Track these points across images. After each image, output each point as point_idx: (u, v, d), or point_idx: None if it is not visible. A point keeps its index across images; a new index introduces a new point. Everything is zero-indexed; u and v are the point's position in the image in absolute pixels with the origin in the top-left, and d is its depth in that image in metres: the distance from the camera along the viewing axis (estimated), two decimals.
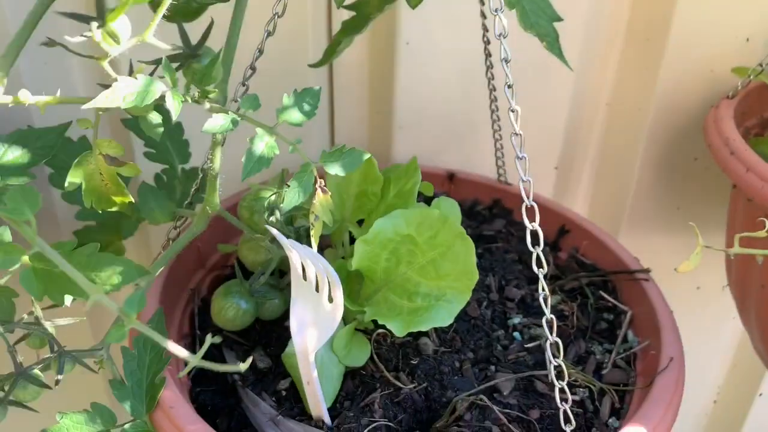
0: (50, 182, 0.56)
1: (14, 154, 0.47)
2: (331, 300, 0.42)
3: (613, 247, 0.66)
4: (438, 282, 0.49)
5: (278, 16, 0.48)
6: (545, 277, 0.64)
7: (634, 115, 0.79)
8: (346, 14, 0.57)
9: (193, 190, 0.57)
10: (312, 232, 0.43)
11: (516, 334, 0.58)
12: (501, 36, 0.42)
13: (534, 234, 0.43)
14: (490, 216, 0.73)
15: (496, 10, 0.42)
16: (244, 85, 0.50)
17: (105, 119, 0.58)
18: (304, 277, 0.43)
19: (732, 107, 0.67)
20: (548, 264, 0.68)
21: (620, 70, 0.78)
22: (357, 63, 0.75)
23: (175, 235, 0.58)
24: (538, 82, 0.76)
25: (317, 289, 0.43)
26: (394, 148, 0.80)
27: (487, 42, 0.66)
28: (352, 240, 0.57)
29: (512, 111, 0.44)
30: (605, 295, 0.63)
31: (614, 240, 0.67)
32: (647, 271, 0.62)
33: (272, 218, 0.51)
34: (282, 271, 0.57)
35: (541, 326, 0.59)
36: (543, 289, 0.44)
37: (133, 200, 0.47)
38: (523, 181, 0.43)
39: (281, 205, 0.51)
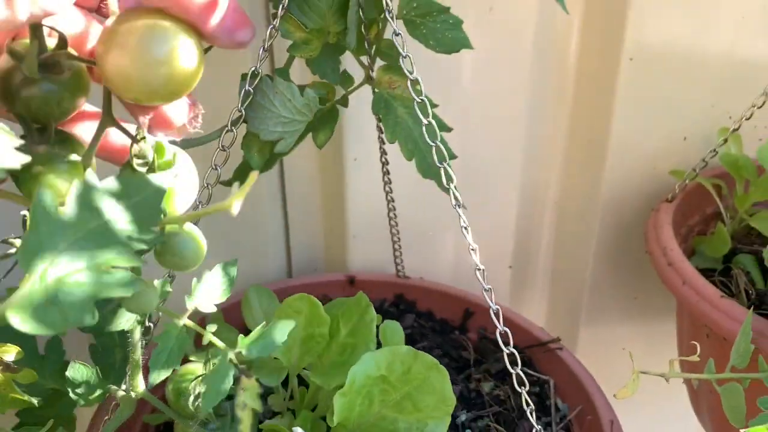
0: None
1: None
2: None
3: (520, 323, 0.67)
4: (417, 414, 0.48)
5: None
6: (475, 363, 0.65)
7: (584, 213, 0.81)
8: None
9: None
10: (241, 427, 0.36)
11: None
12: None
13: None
14: (398, 312, 0.74)
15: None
16: (170, 276, 0.48)
17: None
18: None
19: (671, 211, 0.69)
20: (467, 349, 0.69)
21: (566, 169, 0.80)
22: (309, 177, 0.77)
23: (111, 409, 0.53)
24: (486, 178, 0.77)
25: None
26: (349, 256, 0.81)
27: (384, 152, 0.65)
28: (301, 382, 0.57)
29: None
30: (528, 370, 0.64)
31: (520, 315, 0.68)
32: (558, 340, 0.64)
33: (198, 403, 0.48)
34: None
35: (487, 417, 0.61)
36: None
37: (36, 403, 0.45)
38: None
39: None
